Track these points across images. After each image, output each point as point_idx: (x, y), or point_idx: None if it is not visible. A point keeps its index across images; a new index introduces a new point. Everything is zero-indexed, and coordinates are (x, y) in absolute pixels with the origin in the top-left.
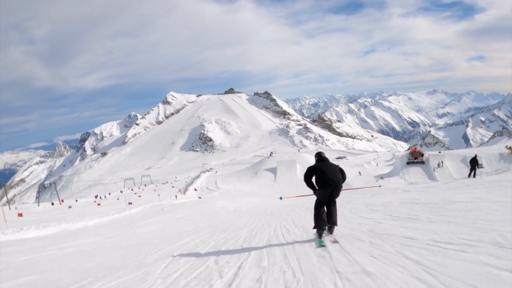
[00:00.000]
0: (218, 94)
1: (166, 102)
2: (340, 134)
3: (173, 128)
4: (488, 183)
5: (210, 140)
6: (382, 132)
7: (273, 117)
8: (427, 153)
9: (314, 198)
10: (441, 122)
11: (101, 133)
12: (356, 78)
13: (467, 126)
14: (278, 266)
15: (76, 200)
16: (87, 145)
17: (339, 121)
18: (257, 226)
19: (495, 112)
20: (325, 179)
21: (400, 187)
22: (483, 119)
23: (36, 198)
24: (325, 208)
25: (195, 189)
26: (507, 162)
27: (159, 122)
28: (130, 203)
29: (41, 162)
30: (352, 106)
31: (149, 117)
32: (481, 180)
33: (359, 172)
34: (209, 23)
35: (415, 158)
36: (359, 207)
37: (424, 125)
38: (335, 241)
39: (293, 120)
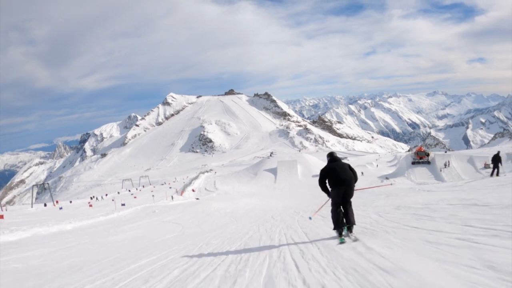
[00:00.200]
0: (218, 95)
1: (166, 103)
2: (340, 136)
3: (173, 129)
4: None
5: (210, 141)
6: (382, 133)
7: (273, 118)
8: (432, 153)
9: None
10: (441, 123)
11: (101, 134)
12: (356, 80)
13: (467, 127)
14: None
15: (71, 202)
16: (87, 146)
17: (339, 122)
18: (252, 238)
19: (495, 113)
20: (337, 179)
21: (416, 187)
22: (483, 120)
23: (36, 199)
24: (342, 209)
25: (193, 190)
26: None
27: (159, 123)
28: (123, 205)
29: (41, 163)
30: (352, 107)
31: (149, 118)
32: (508, 178)
33: (362, 172)
34: (209, 24)
35: (420, 158)
36: (387, 210)
37: (424, 126)
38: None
39: (293, 121)
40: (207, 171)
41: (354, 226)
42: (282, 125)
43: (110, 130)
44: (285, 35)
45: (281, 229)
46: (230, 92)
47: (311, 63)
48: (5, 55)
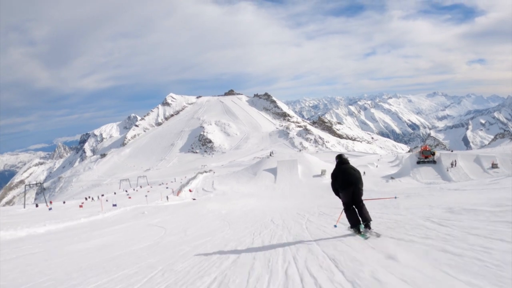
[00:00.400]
0: (218, 95)
1: (165, 103)
2: (340, 136)
3: (173, 130)
4: None
5: (210, 141)
6: (382, 134)
7: (273, 118)
8: (438, 152)
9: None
10: (441, 124)
11: (101, 134)
12: (356, 81)
13: (467, 128)
14: None
15: (64, 202)
16: (86, 146)
17: (339, 123)
18: (238, 264)
19: (495, 114)
20: (343, 181)
21: (435, 186)
22: (483, 121)
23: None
24: (355, 208)
25: (190, 190)
26: None
27: (159, 124)
28: (114, 205)
29: (41, 163)
30: (352, 108)
31: (148, 118)
32: None
33: (364, 172)
34: (209, 24)
35: (425, 157)
36: (437, 213)
37: (424, 127)
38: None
39: (293, 122)
40: (205, 171)
41: (371, 222)
42: (282, 125)
43: (110, 131)
44: (285, 36)
45: (285, 239)
46: (230, 92)
47: (311, 63)
48: (5, 56)
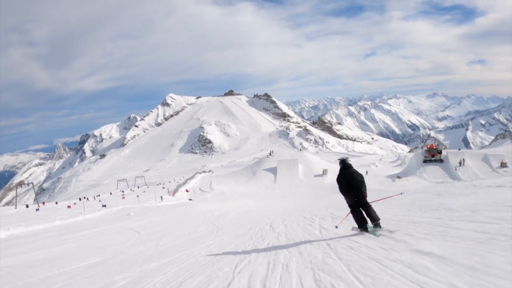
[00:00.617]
0: (218, 96)
1: (165, 104)
2: (340, 137)
3: (172, 130)
4: None
5: (210, 142)
6: (382, 135)
7: (273, 119)
8: (445, 151)
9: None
10: (441, 125)
11: (101, 135)
12: (356, 81)
13: (467, 129)
14: None
15: (56, 203)
16: (86, 147)
17: (339, 123)
18: None
19: (495, 115)
20: (347, 186)
21: (473, 183)
22: (483, 122)
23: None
24: (362, 210)
25: (187, 191)
26: None
27: (158, 124)
28: (104, 206)
29: (41, 164)
30: (352, 109)
31: (148, 119)
32: None
33: (366, 171)
34: (209, 25)
35: (432, 155)
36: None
37: (424, 128)
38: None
39: (293, 122)
40: (204, 172)
41: (380, 221)
42: (282, 126)
43: (110, 131)
44: (285, 37)
45: (296, 271)
46: (230, 93)
47: (311, 64)
48: (5, 57)
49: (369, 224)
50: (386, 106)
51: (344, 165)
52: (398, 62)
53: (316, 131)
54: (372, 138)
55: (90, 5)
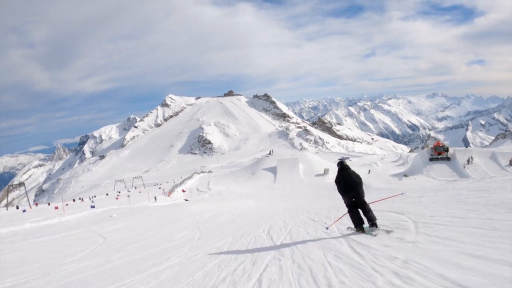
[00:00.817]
0: (217, 96)
1: (165, 104)
2: (340, 137)
3: (172, 131)
4: None
5: (209, 142)
6: (382, 135)
7: (272, 119)
8: (452, 149)
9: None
10: (441, 125)
11: (100, 136)
12: (355, 82)
13: (467, 129)
14: None
15: (49, 204)
16: (86, 148)
17: (339, 123)
18: None
19: (495, 115)
20: (345, 187)
21: (502, 179)
22: (483, 122)
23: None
24: (359, 210)
25: (183, 191)
26: None
27: (158, 125)
28: (92, 207)
29: (40, 165)
30: (351, 109)
31: (147, 119)
32: None
33: (369, 170)
34: (209, 26)
35: (438, 153)
36: None
37: (424, 128)
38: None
39: (293, 123)
40: (203, 172)
41: (376, 221)
42: (282, 126)
43: (109, 132)
44: (285, 37)
45: None
46: (229, 93)
47: (310, 65)
48: (5, 58)
49: (366, 224)
50: (385, 107)
51: (342, 166)
52: (398, 62)
53: (316, 132)
54: (372, 139)
55: (89, 5)
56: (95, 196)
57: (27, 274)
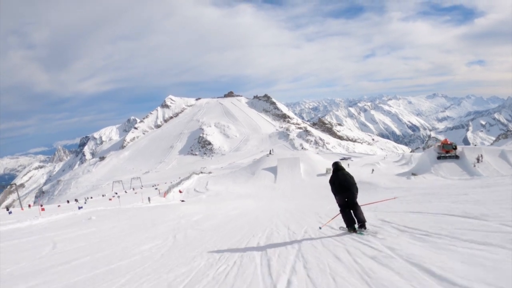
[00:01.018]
0: (218, 97)
1: (164, 105)
2: (340, 138)
3: (172, 132)
4: None
5: (209, 143)
6: (382, 136)
7: (273, 120)
8: (460, 147)
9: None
10: (441, 126)
11: (100, 137)
12: (355, 82)
13: (467, 130)
14: None
15: (41, 205)
16: (86, 149)
17: (339, 124)
18: None
19: (496, 116)
20: (339, 187)
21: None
22: (483, 123)
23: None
24: (351, 210)
25: (180, 191)
26: None
27: (158, 126)
28: (80, 208)
29: (41, 167)
30: (352, 110)
31: (147, 121)
32: None
33: (372, 170)
34: (209, 26)
35: (446, 151)
36: None
37: (424, 129)
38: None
39: (293, 123)
40: (202, 172)
41: (366, 223)
42: (282, 127)
43: (110, 134)
44: (285, 38)
45: None
46: (230, 94)
47: (310, 65)
48: (5, 59)
49: (356, 225)
50: (386, 107)
51: (337, 166)
52: (398, 63)
53: (317, 132)
54: (373, 139)
55: (89, 7)
56: (91, 197)
57: None
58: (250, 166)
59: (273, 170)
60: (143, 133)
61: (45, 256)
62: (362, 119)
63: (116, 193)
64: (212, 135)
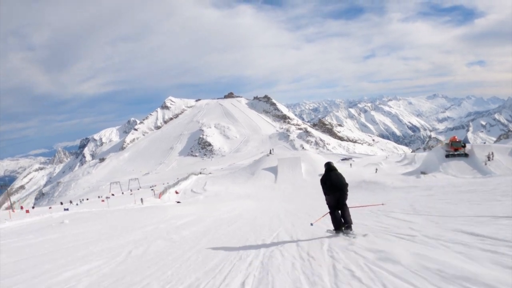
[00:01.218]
0: (217, 98)
1: (164, 107)
2: (341, 138)
3: (172, 133)
4: None
5: (209, 145)
6: (383, 136)
7: (273, 121)
8: (469, 144)
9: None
10: (441, 126)
11: (101, 139)
12: (356, 83)
13: (467, 130)
14: None
15: (33, 207)
16: (86, 151)
17: (340, 125)
18: None
19: (496, 116)
20: (331, 186)
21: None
22: (483, 123)
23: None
24: (339, 211)
25: (176, 192)
26: None
27: (158, 127)
28: (66, 209)
29: (41, 168)
30: (352, 111)
31: (147, 122)
32: None
33: (376, 169)
34: (209, 28)
35: (455, 149)
36: None
37: (425, 129)
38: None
39: (293, 124)
40: (201, 173)
41: (352, 225)
42: (282, 128)
43: (110, 135)
44: (285, 39)
45: None
46: (230, 95)
47: (310, 66)
48: (5, 61)
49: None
50: (386, 108)
51: (329, 167)
52: (398, 64)
53: (317, 133)
54: (373, 140)
55: (89, 8)
56: (87, 199)
57: None
58: (250, 166)
59: (274, 170)
60: (143, 135)
61: None
62: (362, 120)
63: (113, 195)
64: (212, 136)
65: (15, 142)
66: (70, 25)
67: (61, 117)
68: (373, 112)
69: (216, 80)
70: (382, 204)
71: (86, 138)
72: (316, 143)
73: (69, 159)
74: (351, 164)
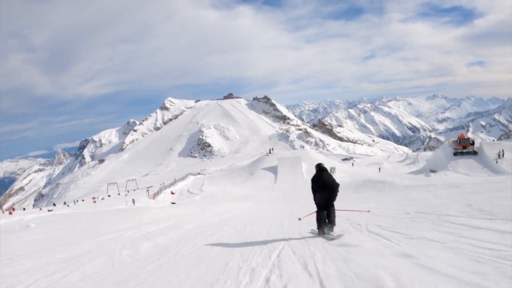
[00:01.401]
0: (217, 99)
1: (164, 108)
2: (341, 139)
3: (171, 134)
4: None
5: (209, 145)
6: (382, 137)
7: (272, 122)
8: (477, 142)
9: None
10: (441, 127)
11: (100, 140)
12: (355, 84)
13: (467, 131)
14: None
15: (24, 209)
16: (85, 152)
17: (339, 125)
18: None
19: (496, 116)
20: (322, 185)
21: None
22: (483, 123)
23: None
24: (326, 212)
25: (172, 193)
26: None
27: (157, 128)
28: (50, 210)
29: (40, 170)
30: (352, 111)
31: (147, 123)
32: None
33: (379, 169)
34: (208, 29)
35: (463, 147)
36: None
37: (424, 130)
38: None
39: (293, 125)
40: (199, 174)
41: (335, 226)
42: (282, 128)
43: (109, 136)
44: (284, 40)
45: None
46: (229, 96)
47: (310, 67)
48: (5, 62)
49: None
50: (386, 109)
51: (320, 167)
52: (398, 64)
53: (317, 134)
54: (373, 140)
55: (89, 10)
56: (83, 200)
57: None
58: (249, 166)
59: (273, 170)
60: (143, 136)
61: None
62: (362, 120)
63: (109, 196)
64: (212, 137)
65: (14, 144)
66: (70, 26)
67: (61, 118)
68: (372, 113)
69: (215, 81)
70: (368, 211)
71: (86, 139)
72: (316, 144)
73: (68, 160)
74: (352, 164)
